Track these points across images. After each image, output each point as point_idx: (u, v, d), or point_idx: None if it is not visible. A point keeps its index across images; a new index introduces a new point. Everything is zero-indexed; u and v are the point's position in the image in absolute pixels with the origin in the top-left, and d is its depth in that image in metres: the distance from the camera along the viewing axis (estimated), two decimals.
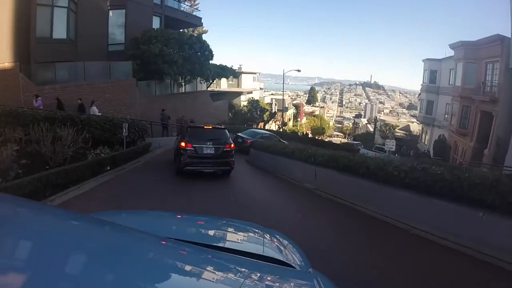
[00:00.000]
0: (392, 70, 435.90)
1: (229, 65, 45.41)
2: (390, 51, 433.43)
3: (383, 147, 44.10)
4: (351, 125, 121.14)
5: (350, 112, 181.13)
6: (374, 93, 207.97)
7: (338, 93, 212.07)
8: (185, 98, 34.47)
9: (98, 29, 27.61)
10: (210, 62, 36.59)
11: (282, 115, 54.08)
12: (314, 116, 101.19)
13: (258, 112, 46.67)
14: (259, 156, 19.64)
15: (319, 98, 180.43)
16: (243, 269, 1.58)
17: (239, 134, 26.33)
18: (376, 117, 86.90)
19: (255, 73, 69.79)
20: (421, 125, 52.90)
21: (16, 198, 1.85)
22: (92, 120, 16.36)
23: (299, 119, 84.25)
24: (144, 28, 30.32)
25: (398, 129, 72.97)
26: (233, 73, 46.82)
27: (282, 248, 2.42)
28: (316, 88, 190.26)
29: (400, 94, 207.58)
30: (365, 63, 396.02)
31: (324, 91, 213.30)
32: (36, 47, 22.00)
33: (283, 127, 51.18)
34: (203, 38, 33.80)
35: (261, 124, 50.88)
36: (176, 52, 29.81)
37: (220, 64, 44.66)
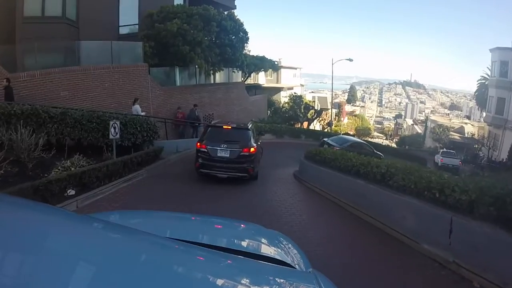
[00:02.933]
0: (433, 69, 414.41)
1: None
2: (431, 49, 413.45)
3: (451, 151, 37.58)
4: (393, 126, 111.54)
5: (390, 112, 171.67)
6: (415, 92, 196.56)
7: (377, 92, 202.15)
8: (214, 91, 26.63)
9: (106, 9, 20.94)
10: (245, 51, 29.33)
11: (332, 113, 45.79)
12: (355, 115, 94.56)
13: (302, 110, 38.51)
14: (317, 173, 12.80)
15: (358, 97, 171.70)
16: (243, 269, 1.57)
17: (326, 139, 23.22)
18: (427, 117, 77.56)
19: (295, 68, 61.30)
20: (488, 127, 43.08)
21: (16, 198, 1.89)
22: (70, 117, 12.13)
23: (341, 119, 75.66)
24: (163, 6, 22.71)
25: (452, 131, 64.59)
26: (272, 66, 39.25)
27: (282, 248, 2.34)
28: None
29: (442, 94, 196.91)
30: (405, 62, 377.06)
31: (363, 90, 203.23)
32: (22, 26, 17.42)
33: (330, 127, 43.11)
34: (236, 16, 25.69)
35: (305, 124, 42.96)
36: (200, 31, 21.87)
37: (257, 55, 37.28)
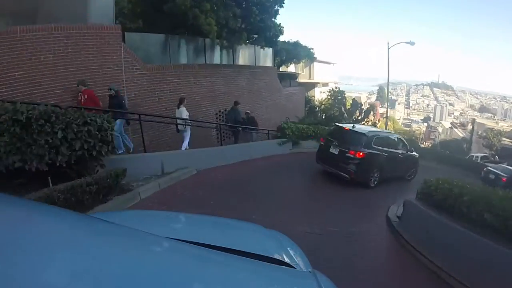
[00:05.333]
0: (461, 70, 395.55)
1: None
2: (459, 48, 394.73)
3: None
4: (423, 129, 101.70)
5: (418, 115, 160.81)
6: (443, 94, 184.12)
7: (404, 94, 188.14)
8: (234, 76, 17.28)
9: None
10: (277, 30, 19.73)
11: (386, 113, 36.29)
12: (385, 117, 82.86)
13: (349, 108, 28.82)
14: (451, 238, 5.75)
15: (397, 103, 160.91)
16: (243, 269, 1.54)
17: (489, 167, 20.73)
18: (474, 119, 67.60)
19: (329, 63, 51.22)
20: None
21: (16, 198, 1.75)
22: None
23: (376, 121, 65.33)
24: None
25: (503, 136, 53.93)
26: (308, 54, 31.05)
27: (282, 248, 2.23)
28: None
29: (471, 95, 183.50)
30: (432, 62, 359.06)
31: (390, 92, 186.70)
32: None
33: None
34: None
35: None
36: None
37: (289, 40, 28.98)
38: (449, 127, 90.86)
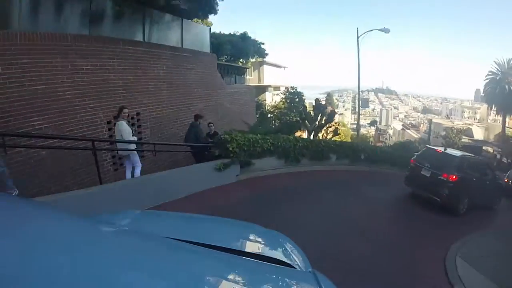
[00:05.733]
0: (403, 75, 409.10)
1: None
2: (401, 55, 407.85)
3: None
4: (373, 132, 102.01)
5: (365, 119, 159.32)
6: (387, 98, 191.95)
7: (350, 100, 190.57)
8: (144, 59, 10.52)
9: None
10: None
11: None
12: (337, 123, 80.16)
13: (311, 113, 22.74)
14: None
15: (343, 109, 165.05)
16: (243, 269, 1.54)
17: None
18: (431, 119, 65.72)
19: (281, 67, 45.67)
20: None
21: (16, 198, 1.82)
22: None
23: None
24: None
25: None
26: (259, 50, 25.87)
27: (282, 248, 2.24)
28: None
29: (413, 98, 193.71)
30: (376, 69, 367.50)
31: (336, 99, 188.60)
32: None
33: (332, 137, 28.40)
34: None
35: (301, 133, 26.53)
36: None
37: (235, 32, 24.17)
38: (401, 129, 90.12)
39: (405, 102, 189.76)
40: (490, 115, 58.31)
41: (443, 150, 11.52)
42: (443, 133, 50.71)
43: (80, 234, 1.35)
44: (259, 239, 2.41)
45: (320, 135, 30.27)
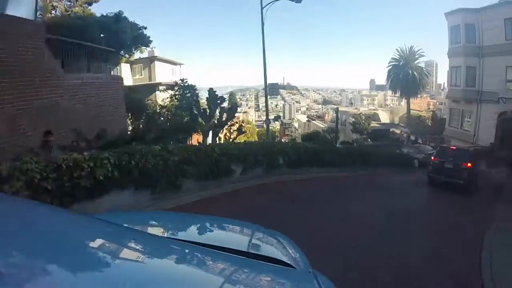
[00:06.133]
0: (303, 70, 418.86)
1: None
2: (299, 51, 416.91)
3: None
4: (278, 127, 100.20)
5: (269, 115, 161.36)
6: (289, 93, 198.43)
7: (253, 98, 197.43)
8: None
9: None
10: None
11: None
12: (242, 122, 78.74)
13: (204, 107, 17.77)
14: None
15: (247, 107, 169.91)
16: (243, 269, 1.49)
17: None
18: (337, 108, 65.61)
19: (176, 64, 40.43)
20: (453, 103, 33.27)
21: (16, 198, 1.82)
22: None
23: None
24: None
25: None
26: (139, 37, 21.03)
27: (282, 248, 2.19)
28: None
29: (314, 92, 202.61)
30: (276, 66, 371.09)
31: (239, 98, 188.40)
32: None
33: (236, 136, 24.12)
34: None
35: (198, 137, 21.44)
36: None
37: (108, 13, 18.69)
38: (306, 121, 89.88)
39: (306, 96, 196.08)
40: (392, 100, 61.78)
41: (455, 147, 16.58)
42: (352, 119, 50.21)
43: (80, 234, 1.36)
44: (259, 239, 2.28)
45: (221, 135, 25.69)
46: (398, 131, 49.15)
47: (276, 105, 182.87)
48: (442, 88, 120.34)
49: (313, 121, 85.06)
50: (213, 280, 1.29)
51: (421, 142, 38.05)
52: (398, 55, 51.05)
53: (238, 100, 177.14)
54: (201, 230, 2.41)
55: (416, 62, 50.52)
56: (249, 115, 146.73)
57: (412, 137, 41.42)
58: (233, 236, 2.44)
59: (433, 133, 37.21)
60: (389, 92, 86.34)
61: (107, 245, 1.34)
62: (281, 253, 2.07)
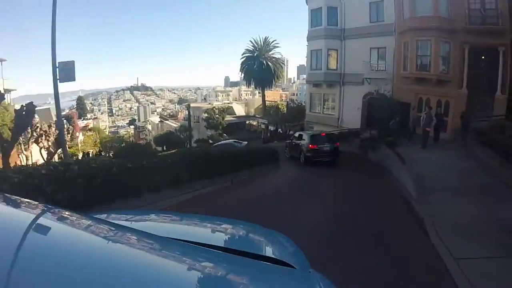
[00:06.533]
0: (158, 71, 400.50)
1: None
2: (155, 51, 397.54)
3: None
4: (133, 132, 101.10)
5: (123, 120, 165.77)
6: (143, 95, 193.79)
7: (106, 103, 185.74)
8: None
9: None
10: None
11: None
12: (89, 130, 72.32)
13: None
14: None
15: (88, 110, 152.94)
16: (243, 269, 1.46)
17: None
18: (189, 104, 61.30)
19: None
20: (313, 88, 31.66)
21: (15, 198, 1.64)
22: None
23: (76, 135, 49.51)
24: None
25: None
26: None
27: (282, 248, 2.12)
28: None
29: (169, 92, 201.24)
30: (131, 68, 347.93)
31: (91, 103, 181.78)
32: None
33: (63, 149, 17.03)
34: None
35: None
36: None
37: None
38: (159, 121, 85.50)
39: (161, 96, 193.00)
40: (247, 94, 59.58)
41: (324, 133, 20.57)
42: (205, 115, 46.98)
43: (79, 233, 1.37)
44: (259, 239, 2.26)
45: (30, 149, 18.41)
46: (255, 123, 48.00)
47: (130, 108, 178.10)
48: (292, 82, 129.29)
49: (166, 121, 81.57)
50: (213, 280, 1.28)
51: (280, 131, 36.42)
52: (253, 46, 48.41)
53: (90, 105, 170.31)
54: (201, 230, 2.34)
55: (270, 53, 48.55)
56: (102, 121, 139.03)
57: (271, 127, 39.48)
58: (233, 236, 2.27)
59: (292, 121, 35.29)
60: (244, 87, 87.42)
61: (107, 245, 1.34)
62: (280, 253, 1.97)
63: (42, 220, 1.36)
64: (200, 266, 1.37)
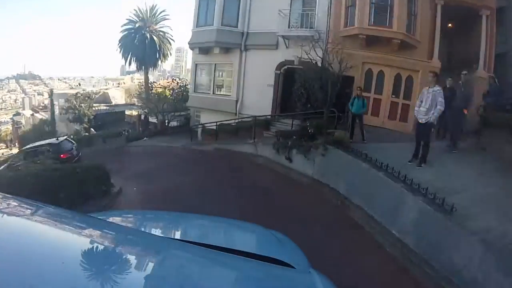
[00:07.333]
0: (49, 58, 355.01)
1: None
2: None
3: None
4: (12, 128, 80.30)
5: (7, 114, 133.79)
6: (30, 84, 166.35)
7: None
8: None
9: None
10: None
11: None
12: None
13: None
14: None
15: None
16: (243, 269, 1.49)
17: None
18: (51, 90, 48.89)
19: None
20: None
21: (16, 199, 1.63)
22: None
23: None
24: None
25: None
26: None
27: (282, 248, 2.17)
28: None
29: (59, 80, 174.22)
30: (20, 53, 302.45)
31: None
32: None
33: None
34: None
35: None
36: None
37: None
38: (31, 115, 73.96)
39: (50, 85, 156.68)
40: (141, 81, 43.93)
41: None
42: (67, 104, 34.22)
43: (79, 233, 1.35)
44: (259, 239, 2.31)
45: None
46: (136, 113, 36.24)
47: (15, 100, 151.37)
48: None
49: (37, 114, 69.94)
50: (213, 280, 1.25)
51: (166, 123, 26.39)
52: (135, 15, 35.76)
53: None
54: (201, 230, 2.35)
55: (157, 26, 36.28)
56: None
57: (153, 119, 28.19)
58: (233, 236, 2.33)
59: (178, 110, 26.28)
60: (138, 75, 76.12)
61: (107, 245, 1.32)
62: (280, 252, 1.99)
63: (42, 220, 1.36)
64: (200, 266, 1.37)
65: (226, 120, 16.86)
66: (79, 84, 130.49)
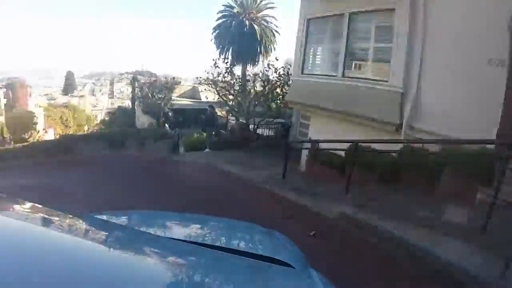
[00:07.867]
0: (168, 58, 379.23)
1: None
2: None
3: None
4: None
5: (122, 102, 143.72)
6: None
7: (108, 84, 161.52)
8: None
9: None
10: None
11: None
12: (65, 107, 60.43)
13: None
14: None
15: (87, 91, 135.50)
16: (242, 269, 1.44)
17: None
18: (134, 77, 46.71)
19: None
20: None
21: (15, 199, 1.57)
22: None
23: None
24: None
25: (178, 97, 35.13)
26: None
27: (281, 247, 2.12)
28: (84, 81, 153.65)
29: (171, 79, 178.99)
30: (139, 52, 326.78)
31: (93, 83, 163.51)
32: None
33: None
34: None
35: None
36: None
37: None
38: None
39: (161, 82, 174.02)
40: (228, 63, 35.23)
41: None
42: (140, 93, 31.61)
43: (79, 233, 1.32)
44: (258, 238, 2.19)
45: None
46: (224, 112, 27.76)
47: (131, 91, 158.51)
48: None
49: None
50: (212, 280, 1.25)
51: (254, 130, 18.14)
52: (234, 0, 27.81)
53: (92, 85, 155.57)
54: (201, 230, 2.30)
55: (260, 14, 27.82)
56: (100, 102, 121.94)
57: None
58: (232, 236, 2.21)
59: (270, 114, 18.53)
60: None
61: (107, 245, 1.29)
62: (280, 252, 1.94)
63: (42, 221, 1.32)
64: (200, 266, 1.33)
65: (373, 142, 7.42)
66: (180, 82, 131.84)
